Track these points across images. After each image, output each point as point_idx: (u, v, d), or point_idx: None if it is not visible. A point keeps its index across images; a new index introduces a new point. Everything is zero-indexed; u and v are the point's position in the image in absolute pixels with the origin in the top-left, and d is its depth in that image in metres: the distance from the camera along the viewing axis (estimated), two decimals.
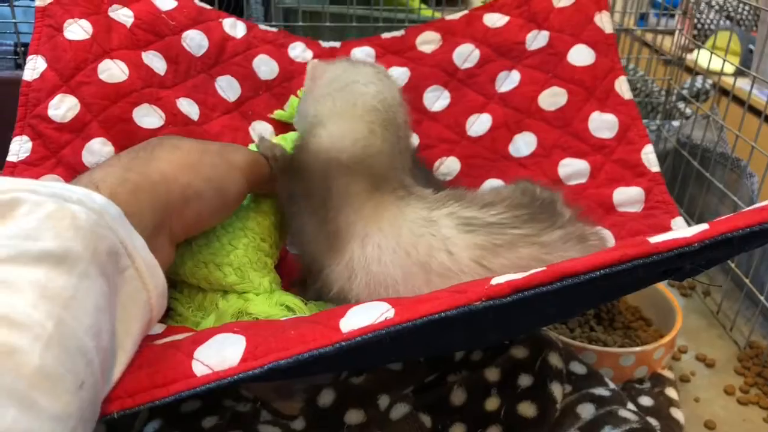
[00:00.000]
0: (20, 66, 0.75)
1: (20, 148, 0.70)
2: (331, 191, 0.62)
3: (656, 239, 0.41)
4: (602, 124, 0.83)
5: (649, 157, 0.81)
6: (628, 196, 0.80)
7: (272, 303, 0.62)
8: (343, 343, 0.40)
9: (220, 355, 0.42)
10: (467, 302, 0.40)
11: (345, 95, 0.67)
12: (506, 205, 0.63)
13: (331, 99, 0.67)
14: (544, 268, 0.40)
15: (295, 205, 0.66)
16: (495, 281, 0.41)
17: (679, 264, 0.43)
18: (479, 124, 0.88)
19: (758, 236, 0.40)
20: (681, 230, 0.42)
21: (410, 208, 0.62)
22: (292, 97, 0.87)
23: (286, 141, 0.77)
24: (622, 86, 0.85)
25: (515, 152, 0.86)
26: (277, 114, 0.87)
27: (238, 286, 0.63)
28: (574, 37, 0.86)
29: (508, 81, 0.88)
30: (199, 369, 0.42)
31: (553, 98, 0.85)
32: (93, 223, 0.41)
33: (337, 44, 0.93)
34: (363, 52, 0.92)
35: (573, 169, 0.82)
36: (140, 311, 0.45)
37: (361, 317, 0.43)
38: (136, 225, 0.46)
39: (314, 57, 0.91)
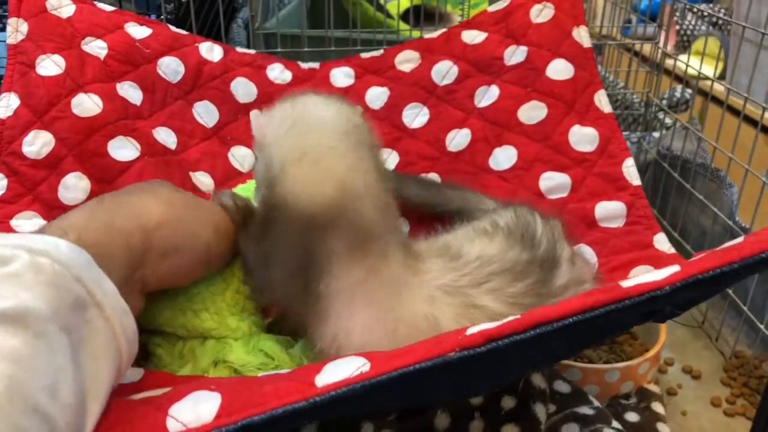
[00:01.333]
0: None
1: None
2: (312, 254, 0.57)
3: (628, 283, 0.41)
4: (582, 138, 0.83)
5: (630, 170, 0.82)
6: (609, 211, 0.79)
7: (250, 349, 0.61)
8: (317, 398, 0.40)
9: (194, 411, 0.42)
10: (441, 353, 0.39)
11: (303, 127, 0.60)
12: (505, 266, 0.59)
13: (290, 137, 0.59)
14: (518, 316, 0.40)
15: (270, 262, 0.61)
16: (469, 331, 0.41)
17: (654, 307, 0.43)
18: (459, 138, 0.88)
19: (729, 276, 0.40)
20: (653, 272, 0.43)
21: (408, 289, 0.57)
22: None
23: (248, 190, 0.74)
24: (602, 99, 0.85)
25: (495, 165, 0.86)
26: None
27: (215, 332, 0.62)
28: (552, 52, 0.86)
29: (487, 96, 0.88)
30: (173, 425, 0.41)
31: (532, 112, 0.85)
32: (58, 276, 0.41)
33: (316, 65, 0.93)
34: (342, 72, 0.92)
35: (554, 182, 0.82)
36: (111, 359, 0.44)
37: (337, 372, 0.42)
38: (107, 267, 0.46)
39: (293, 78, 0.91)
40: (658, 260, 0.72)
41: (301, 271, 0.58)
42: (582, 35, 0.87)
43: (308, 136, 0.59)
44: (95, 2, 0.83)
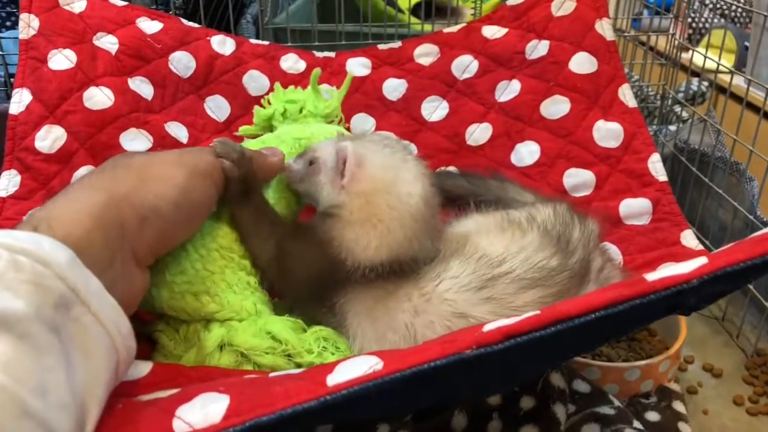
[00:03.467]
0: (11, 97, 0.76)
1: (9, 182, 0.70)
2: (336, 276, 0.60)
3: (653, 276, 0.39)
4: (607, 134, 0.82)
5: (656, 165, 0.80)
6: (634, 208, 0.78)
7: (256, 331, 0.60)
8: (328, 397, 0.38)
9: (202, 412, 0.41)
10: (457, 351, 0.38)
11: (394, 199, 0.61)
12: (522, 270, 0.58)
13: (377, 200, 0.61)
14: (538, 312, 0.39)
15: (289, 260, 0.62)
16: (486, 328, 0.40)
17: (680, 300, 0.41)
18: (479, 132, 0.87)
19: (759, 269, 0.39)
20: (679, 265, 0.41)
21: (395, 300, 0.59)
22: (257, 108, 0.81)
23: (252, 144, 0.72)
24: (626, 94, 0.84)
25: (518, 161, 0.85)
26: (243, 130, 0.81)
27: (219, 315, 0.60)
28: (574, 46, 0.85)
29: (508, 90, 0.87)
30: (180, 427, 0.40)
31: (554, 106, 0.84)
32: (39, 275, 0.40)
33: (331, 54, 0.92)
34: (358, 62, 0.91)
35: (578, 179, 0.81)
36: (105, 355, 0.43)
37: (349, 371, 0.41)
38: (90, 261, 0.44)
39: (308, 67, 0.89)
40: (686, 258, 0.71)
41: (319, 282, 0.61)
42: (605, 28, 0.85)
43: (391, 209, 0.61)
44: None
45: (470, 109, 0.88)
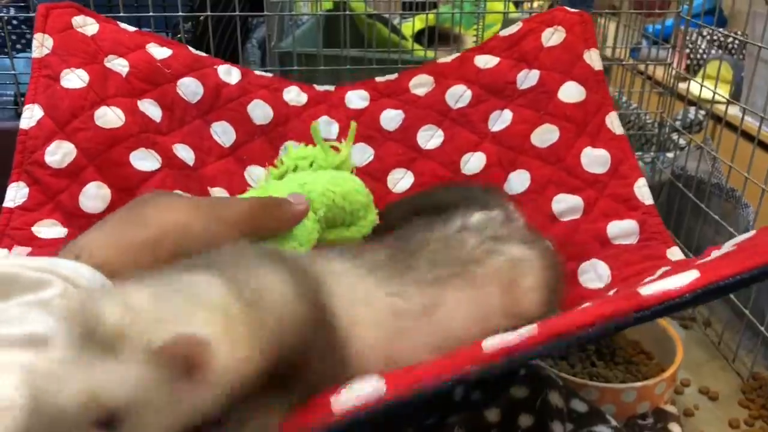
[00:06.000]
0: (21, 116, 0.78)
1: (17, 193, 0.72)
2: None
3: (647, 291, 0.41)
4: (594, 160, 0.83)
5: (642, 190, 0.82)
6: (622, 229, 0.79)
7: None
8: (335, 422, 0.40)
9: None
10: (459, 370, 0.40)
11: None
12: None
13: None
14: (535, 326, 0.41)
15: None
16: (486, 347, 0.42)
17: (670, 311, 0.43)
18: (473, 161, 0.89)
19: (747, 282, 0.41)
20: (672, 278, 0.42)
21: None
22: (270, 169, 0.82)
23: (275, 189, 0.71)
24: (613, 121, 0.85)
25: (510, 190, 0.86)
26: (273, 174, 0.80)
27: None
28: (564, 75, 0.87)
29: (501, 120, 0.89)
30: None
31: (545, 135, 0.86)
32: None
33: (331, 88, 0.95)
34: (357, 95, 0.94)
35: (567, 205, 0.82)
36: None
37: (353, 393, 0.42)
38: None
39: (309, 99, 0.92)
40: (672, 266, 0.72)
41: None
42: (593, 58, 0.88)
43: None
44: (118, 23, 0.85)
45: (464, 138, 0.90)
